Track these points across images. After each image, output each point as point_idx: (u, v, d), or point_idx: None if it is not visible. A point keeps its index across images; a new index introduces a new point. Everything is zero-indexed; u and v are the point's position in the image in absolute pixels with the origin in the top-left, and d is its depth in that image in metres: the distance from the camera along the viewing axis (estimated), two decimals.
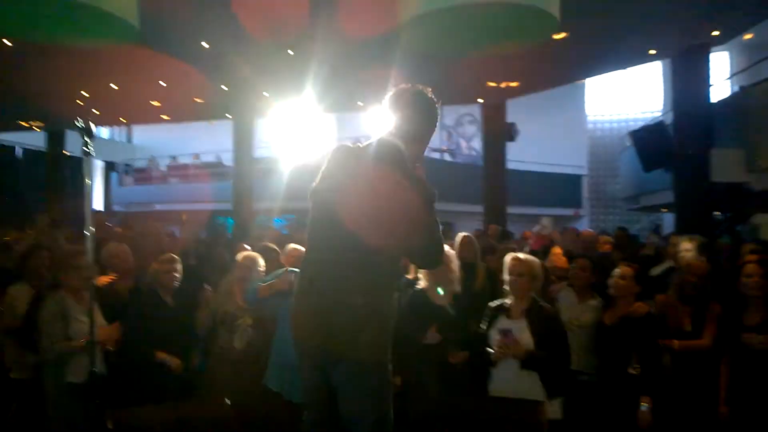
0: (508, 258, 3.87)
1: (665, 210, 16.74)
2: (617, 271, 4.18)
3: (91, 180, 2.74)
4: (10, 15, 4.84)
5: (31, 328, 3.98)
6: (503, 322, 3.76)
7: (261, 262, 4.45)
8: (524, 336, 3.63)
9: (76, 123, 2.61)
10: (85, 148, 2.64)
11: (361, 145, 2.57)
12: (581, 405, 3.95)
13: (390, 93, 2.61)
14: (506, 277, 3.82)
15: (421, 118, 2.59)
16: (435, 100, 2.61)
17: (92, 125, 2.65)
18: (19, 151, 19.07)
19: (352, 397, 2.48)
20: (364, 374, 2.45)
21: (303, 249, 4.44)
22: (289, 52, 8.08)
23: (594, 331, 4.21)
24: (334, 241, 2.46)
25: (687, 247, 5.37)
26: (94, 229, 5.52)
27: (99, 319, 4.03)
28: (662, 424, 3.83)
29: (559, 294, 4.57)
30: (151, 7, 5.65)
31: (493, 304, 3.96)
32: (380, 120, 2.62)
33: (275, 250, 4.86)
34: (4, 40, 7.48)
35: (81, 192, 2.81)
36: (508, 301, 3.83)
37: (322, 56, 8.09)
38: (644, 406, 3.74)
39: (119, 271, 4.60)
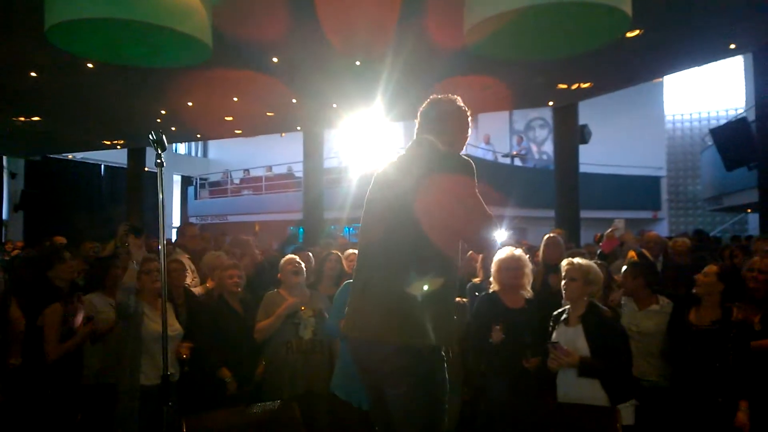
0: (564, 263, 3.85)
1: (750, 210, 15.95)
2: (704, 269, 4.06)
3: (163, 191, 2.83)
4: (93, 39, 5.10)
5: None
6: (560, 331, 3.75)
7: (302, 263, 4.57)
8: (579, 343, 3.60)
9: (150, 136, 2.71)
10: (158, 160, 2.74)
11: (404, 154, 2.72)
12: (652, 411, 3.88)
13: (426, 104, 2.76)
14: (562, 282, 3.80)
15: (458, 126, 2.73)
16: (466, 109, 2.76)
17: (164, 137, 2.74)
18: (102, 169, 20.09)
19: (398, 392, 2.46)
20: (411, 364, 2.42)
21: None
22: (357, 63, 8.13)
23: (656, 338, 4.09)
24: (384, 243, 2.54)
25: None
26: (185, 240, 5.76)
27: (174, 322, 4.21)
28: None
29: (622, 301, 4.42)
30: (223, 27, 5.83)
31: (558, 311, 3.92)
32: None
33: (335, 252, 5.12)
34: (88, 64, 7.85)
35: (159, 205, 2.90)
36: (568, 307, 3.81)
37: (391, 66, 8.12)
38: (744, 408, 3.57)
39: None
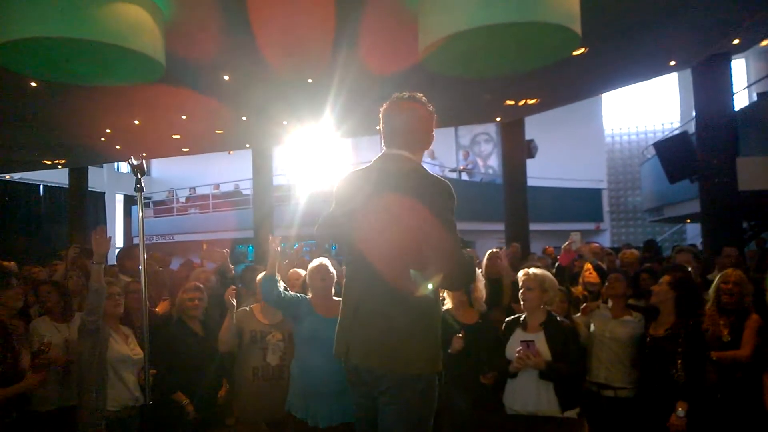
0: (520, 273, 4.03)
1: (689, 221, 16.58)
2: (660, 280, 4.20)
3: (143, 214, 2.80)
4: (42, 59, 4.95)
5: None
6: (519, 335, 3.88)
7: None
8: (542, 348, 3.75)
9: (129, 162, 2.68)
10: (137, 185, 2.71)
11: (372, 167, 2.62)
12: (612, 420, 4.10)
13: (389, 106, 2.64)
14: (519, 292, 3.95)
15: (427, 129, 2.65)
16: (431, 107, 2.67)
17: (144, 163, 2.71)
18: (41, 189, 19.42)
19: (389, 411, 2.49)
20: (405, 386, 2.46)
21: (302, 273, 4.41)
22: (309, 80, 8.12)
23: (628, 346, 4.21)
24: (368, 268, 2.50)
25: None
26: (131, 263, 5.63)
27: (135, 346, 4.10)
28: None
29: (594, 311, 4.52)
30: (173, 44, 5.75)
31: (509, 318, 4.08)
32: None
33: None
34: (31, 83, 7.60)
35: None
36: (523, 315, 3.97)
37: (340, 83, 8.14)
38: (680, 411, 3.71)
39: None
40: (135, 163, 2.67)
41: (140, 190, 2.73)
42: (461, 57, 5.44)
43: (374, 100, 8.76)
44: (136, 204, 15.70)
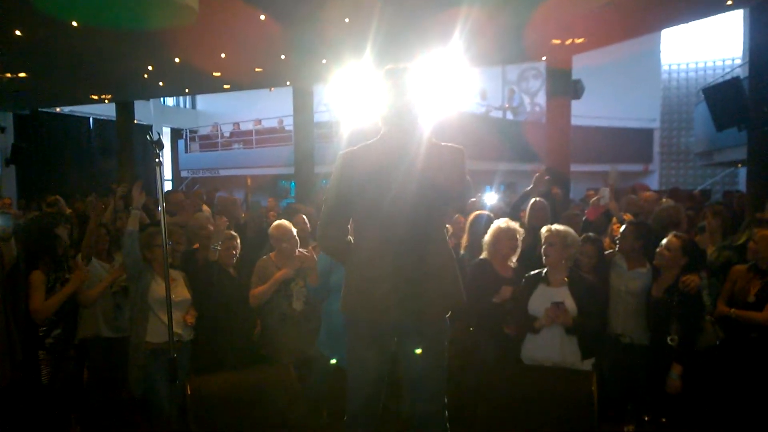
0: (543, 230, 4.03)
1: (740, 165, 15.97)
2: (664, 242, 4.22)
3: (163, 183, 2.83)
4: (76, 3, 5.00)
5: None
6: (544, 290, 3.91)
7: (293, 230, 4.49)
8: (569, 304, 3.79)
9: (148, 137, 2.71)
10: (156, 159, 2.73)
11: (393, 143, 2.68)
12: (626, 367, 4.28)
13: (393, 72, 2.69)
14: (542, 247, 3.97)
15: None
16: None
17: (162, 138, 2.74)
18: (91, 122, 19.87)
19: (431, 356, 2.72)
20: (444, 325, 2.76)
21: None
22: (346, 20, 7.96)
23: (641, 298, 4.32)
24: (398, 226, 2.60)
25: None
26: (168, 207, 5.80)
27: (182, 289, 4.34)
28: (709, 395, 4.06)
29: (613, 260, 4.56)
30: None
31: (532, 273, 4.07)
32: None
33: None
34: (73, 22, 7.67)
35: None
36: (545, 270, 3.97)
37: (380, 20, 7.95)
38: (674, 374, 3.92)
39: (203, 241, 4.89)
40: (153, 138, 2.69)
41: (159, 164, 2.74)
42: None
43: (416, 36, 8.63)
44: (182, 138, 16.17)
